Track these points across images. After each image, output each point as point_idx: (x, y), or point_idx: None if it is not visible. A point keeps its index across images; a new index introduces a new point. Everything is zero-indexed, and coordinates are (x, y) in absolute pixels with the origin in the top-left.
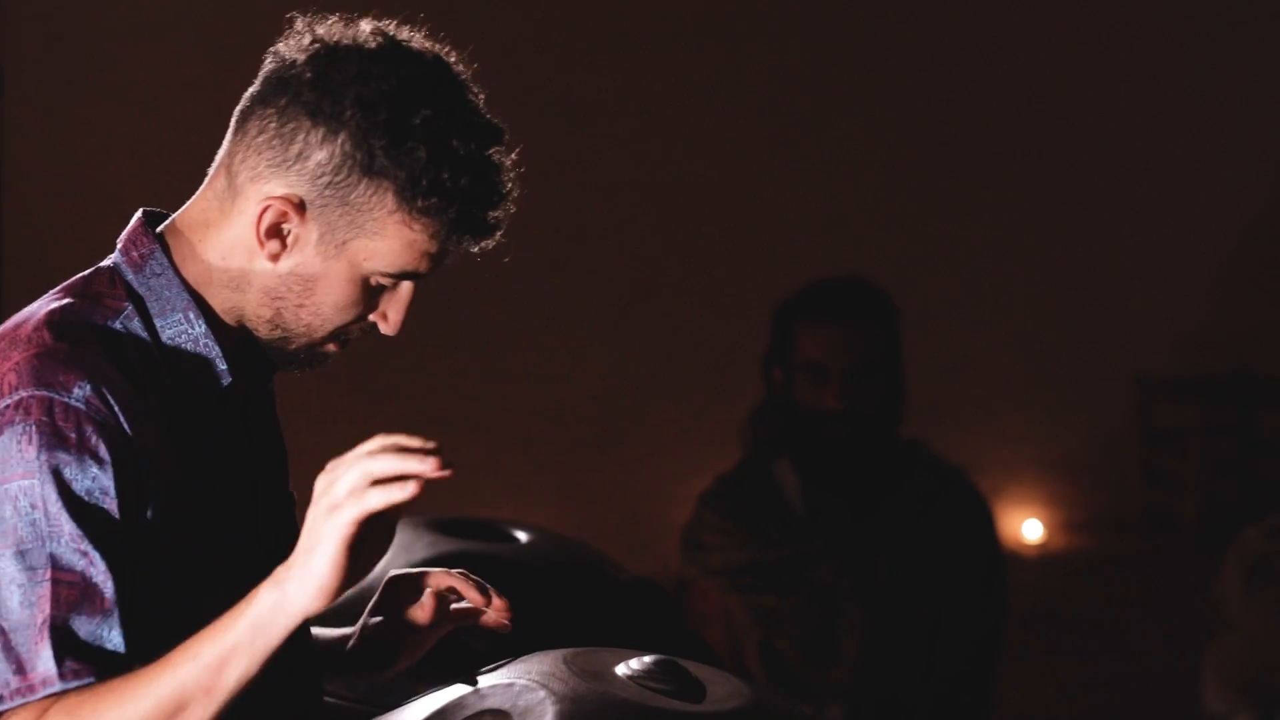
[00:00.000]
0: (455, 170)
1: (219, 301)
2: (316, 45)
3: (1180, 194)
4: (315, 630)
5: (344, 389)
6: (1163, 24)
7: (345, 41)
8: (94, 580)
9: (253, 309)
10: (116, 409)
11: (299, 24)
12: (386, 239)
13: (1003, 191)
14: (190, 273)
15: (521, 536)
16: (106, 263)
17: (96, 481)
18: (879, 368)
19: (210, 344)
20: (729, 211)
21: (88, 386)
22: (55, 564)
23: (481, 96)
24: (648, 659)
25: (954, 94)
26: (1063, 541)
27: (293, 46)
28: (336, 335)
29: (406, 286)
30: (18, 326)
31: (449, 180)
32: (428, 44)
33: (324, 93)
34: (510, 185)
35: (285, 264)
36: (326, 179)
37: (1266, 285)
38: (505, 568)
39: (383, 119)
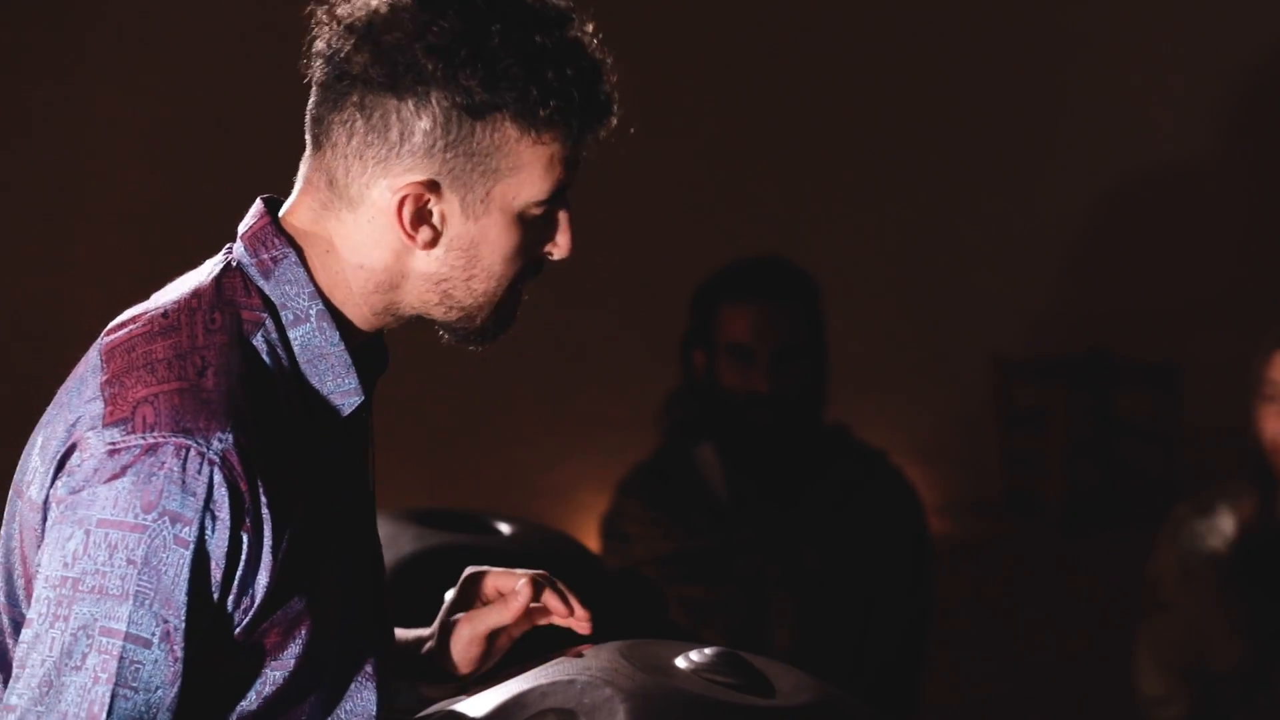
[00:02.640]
0: (555, 65)
1: (360, 307)
2: (353, 24)
3: (1032, 177)
4: None
5: None
6: (1016, 8)
7: (374, 6)
8: (158, 663)
9: (416, 300)
10: (254, 463)
11: (319, 14)
12: (526, 168)
13: (856, 176)
14: (321, 280)
15: (504, 528)
16: (232, 260)
17: (208, 546)
18: (805, 349)
19: (344, 356)
20: (580, 203)
21: (230, 437)
22: (130, 627)
23: None
24: (707, 651)
25: (800, 75)
26: None
27: (330, 40)
28: (515, 286)
29: (564, 208)
30: (151, 339)
31: (555, 79)
32: None
33: (392, 64)
34: (601, 51)
35: (439, 246)
36: (441, 144)
37: (1119, 267)
38: (494, 560)
39: (464, 55)
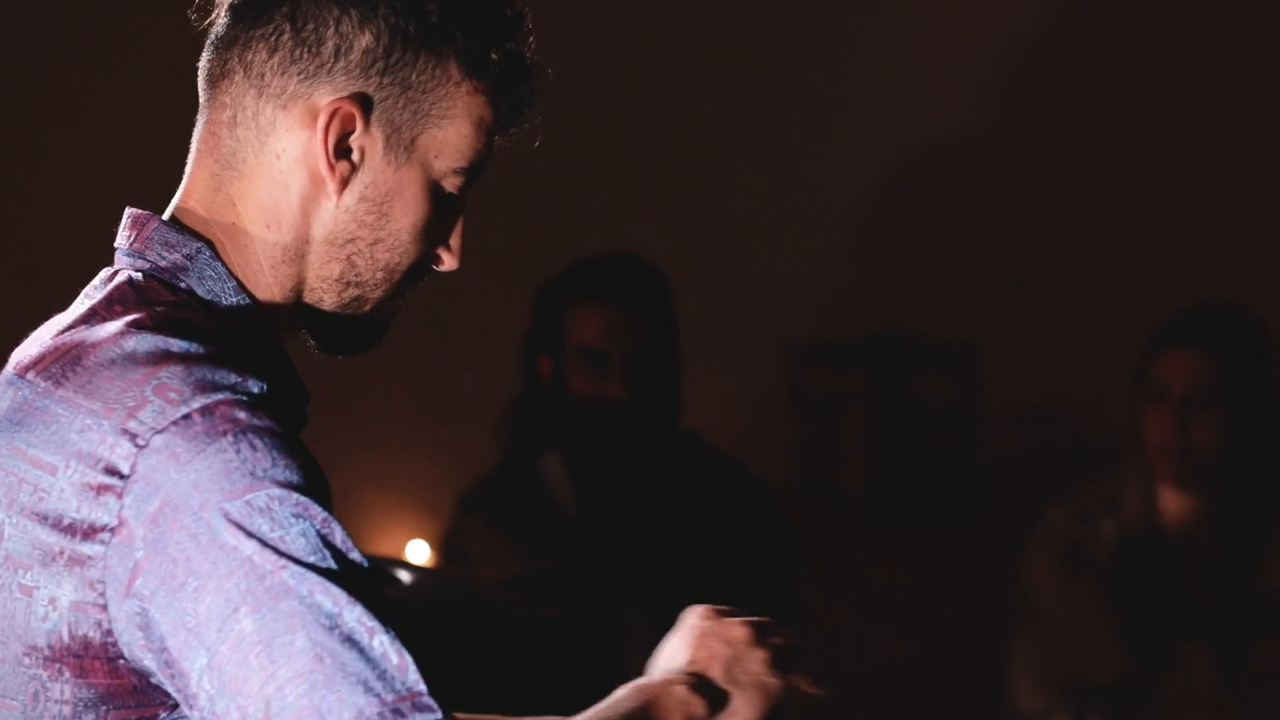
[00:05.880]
0: (510, 19)
1: (274, 288)
2: None
3: (814, 153)
4: None
5: None
6: None
7: None
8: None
9: (317, 274)
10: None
11: None
12: (455, 122)
13: (634, 157)
14: (237, 272)
15: (403, 576)
16: (134, 272)
17: (314, 507)
18: (659, 351)
19: (280, 351)
20: None
21: (262, 385)
22: (343, 579)
23: None
24: None
25: (576, 57)
26: None
27: None
28: (411, 277)
29: (459, 210)
30: (97, 345)
31: (511, 25)
32: None
33: None
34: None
35: (352, 193)
36: (379, 66)
37: (909, 244)
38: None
39: None
